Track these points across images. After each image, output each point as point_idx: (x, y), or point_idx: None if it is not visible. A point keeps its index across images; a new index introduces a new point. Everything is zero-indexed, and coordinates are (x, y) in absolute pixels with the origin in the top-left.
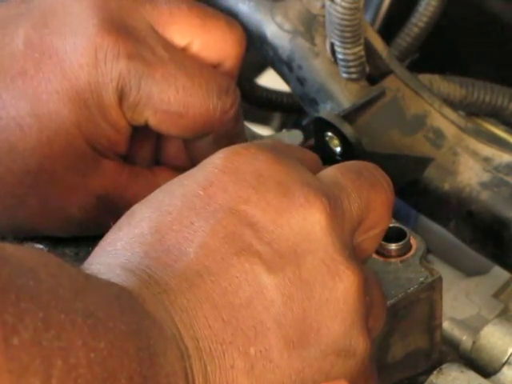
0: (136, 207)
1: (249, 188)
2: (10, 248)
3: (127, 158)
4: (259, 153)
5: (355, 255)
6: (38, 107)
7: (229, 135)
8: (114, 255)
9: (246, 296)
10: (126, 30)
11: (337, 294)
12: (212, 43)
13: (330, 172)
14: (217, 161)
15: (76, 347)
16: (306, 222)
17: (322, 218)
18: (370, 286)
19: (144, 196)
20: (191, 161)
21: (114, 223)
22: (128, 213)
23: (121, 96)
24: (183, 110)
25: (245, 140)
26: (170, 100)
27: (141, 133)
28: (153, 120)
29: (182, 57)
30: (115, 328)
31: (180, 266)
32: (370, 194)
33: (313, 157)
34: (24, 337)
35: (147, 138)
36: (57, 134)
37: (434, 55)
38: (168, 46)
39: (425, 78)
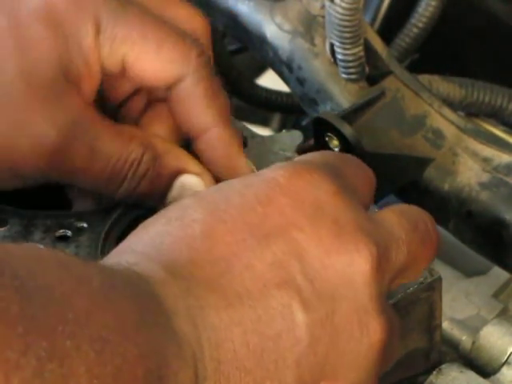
0: (189, 203)
1: (305, 218)
2: (26, 260)
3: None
4: (322, 182)
5: (387, 302)
6: (16, 21)
7: (206, 85)
8: (159, 250)
9: (277, 329)
10: None
11: (360, 347)
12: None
13: (387, 216)
14: (279, 178)
15: (78, 374)
16: (350, 268)
17: (367, 268)
18: (392, 338)
19: (110, 151)
20: (171, 114)
21: (75, 165)
22: (180, 205)
23: (98, 28)
24: (159, 45)
25: (225, 97)
26: (146, 35)
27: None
28: (130, 56)
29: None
30: (125, 351)
31: (223, 282)
32: (418, 250)
33: (368, 176)
34: (25, 373)
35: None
36: (33, 44)
37: (434, 55)
38: None
39: (424, 78)
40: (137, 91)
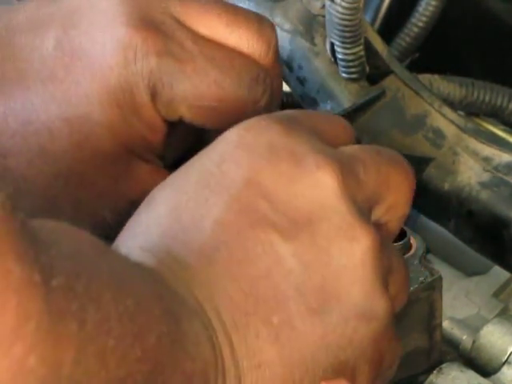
0: (154, 191)
1: (261, 160)
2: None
3: (165, 160)
4: (271, 124)
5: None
6: (68, 111)
7: None
8: (133, 238)
9: (264, 266)
10: (154, 26)
11: (354, 258)
12: (244, 38)
13: (350, 147)
14: (230, 137)
15: (106, 300)
16: (318, 188)
17: (334, 183)
18: (389, 250)
19: None
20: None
21: None
22: (147, 198)
23: (154, 94)
24: (216, 103)
25: None
26: (203, 95)
27: (177, 133)
28: (187, 115)
29: (211, 49)
30: (139, 290)
31: (197, 242)
32: (389, 171)
33: (337, 126)
34: (60, 281)
35: (183, 137)
36: (87, 137)
37: (434, 55)
38: (197, 39)
39: (425, 77)
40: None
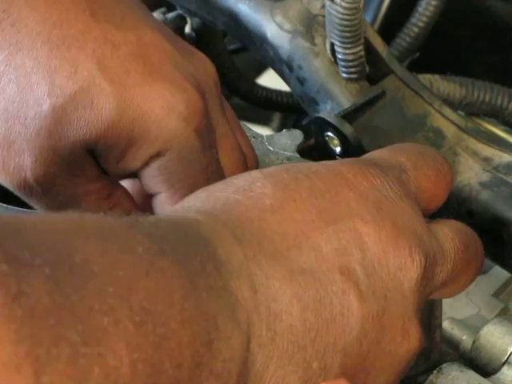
0: (257, 176)
1: (369, 214)
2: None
3: None
4: (385, 185)
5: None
6: None
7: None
8: (229, 215)
9: (333, 314)
10: None
11: (398, 351)
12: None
13: (443, 230)
14: (346, 173)
15: (117, 349)
16: (401, 272)
17: (415, 276)
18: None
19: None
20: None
21: None
22: (247, 175)
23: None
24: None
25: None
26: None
27: None
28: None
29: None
30: (169, 319)
31: (290, 256)
32: (461, 270)
33: (443, 176)
34: (58, 365)
35: None
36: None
37: (435, 55)
38: None
39: (425, 77)
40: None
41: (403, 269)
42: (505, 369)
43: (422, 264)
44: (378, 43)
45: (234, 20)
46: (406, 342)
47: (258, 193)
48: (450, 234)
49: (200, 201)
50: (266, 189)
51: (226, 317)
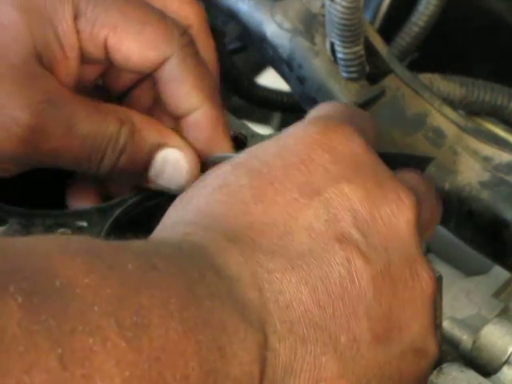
0: (227, 169)
1: (350, 171)
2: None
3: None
4: (354, 136)
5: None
6: None
7: (192, 64)
8: (213, 218)
9: (343, 284)
10: None
11: (415, 295)
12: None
13: (407, 175)
14: (314, 135)
15: (106, 369)
16: (395, 218)
17: (411, 217)
18: (438, 287)
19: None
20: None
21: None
22: (217, 172)
23: (76, 11)
24: (141, 26)
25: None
26: (127, 16)
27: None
28: (112, 39)
29: None
30: (167, 331)
31: (284, 244)
32: (434, 209)
33: (372, 124)
34: None
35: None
36: (5, 26)
37: (435, 54)
38: None
39: (425, 77)
40: (141, 84)
41: (397, 213)
42: (505, 369)
43: (413, 203)
44: (377, 42)
45: (233, 19)
46: (418, 283)
47: (235, 186)
48: (416, 177)
49: (182, 211)
50: (241, 180)
51: (236, 320)
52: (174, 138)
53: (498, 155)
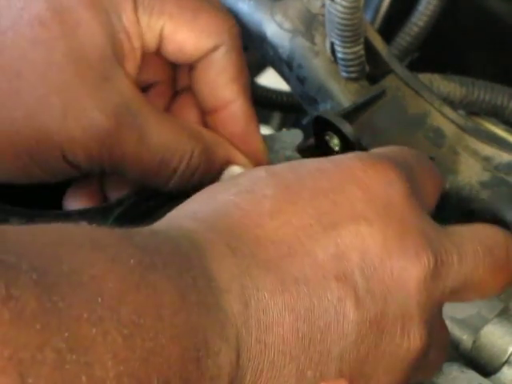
0: (261, 175)
1: (375, 214)
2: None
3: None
4: (396, 181)
5: (436, 315)
6: (56, 3)
7: (237, 57)
8: (224, 222)
9: (327, 321)
10: None
11: (398, 352)
12: None
13: (460, 231)
14: (356, 169)
15: (104, 360)
16: (405, 273)
17: (422, 276)
18: (433, 349)
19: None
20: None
21: (128, 150)
22: (252, 176)
23: (135, 2)
24: (194, 15)
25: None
26: (182, 5)
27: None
28: (168, 29)
29: None
30: (157, 334)
31: (282, 265)
32: (486, 275)
33: (437, 181)
34: (43, 369)
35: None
36: (77, 25)
37: (435, 54)
38: None
39: (425, 77)
40: (162, 79)
41: (408, 269)
42: (505, 368)
43: (429, 263)
44: (377, 42)
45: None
46: (406, 342)
47: (258, 195)
48: (469, 235)
49: (199, 204)
50: (267, 190)
51: (215, 333)
52: (239, 155)
53: (497, 155)
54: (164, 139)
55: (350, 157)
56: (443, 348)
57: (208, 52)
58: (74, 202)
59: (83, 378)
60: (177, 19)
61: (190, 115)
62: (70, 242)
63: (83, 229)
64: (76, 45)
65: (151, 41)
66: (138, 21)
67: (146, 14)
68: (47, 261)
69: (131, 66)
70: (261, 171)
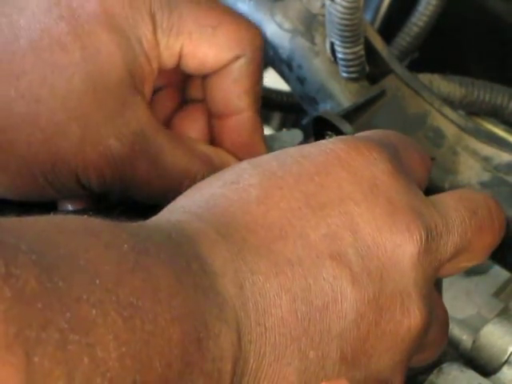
0: (245, 167)
1: (362, 194)
2: (49, 225)
3: None
4: (380, 160)
5: (432, 289)
6: (77, 27)
7: (256, 68)
8: (212, 212)
9: (324, 300)
10: None
11: (399, 329)
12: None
13: (443, 200)
14: (339, 151)
15: (106, 341)
16: (399, 249)
17: (415, 251)
18: (433, 326)
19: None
20: (210, 105)
21: (145, 174)
22: (236, 168)
23: (154, 23)
24: (214, 30)
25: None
26: (201, 22)
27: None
28: (187, 47)
29: None
30: (156, 317)
31: (275, 248)
32: (474, 237)
33: (424, 159)
34: (47, 348)
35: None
36: (97, 51)
37: (435, 54)
38: None
39: (425, 77)
40: (172, 83)
41: (402, 245)
42: (505, 368)
43: (421, 238)
44: (377, 42)
45: None
46: (407, 319)
47: (244, 185)
48: (452, 203)
49: (186, 199)
50: (252, 179)
51: (213, 315)
52: None
53: (497, 155)
54: (177, 165)
55: (332, 141)
56: (444, 325)
57: (228, 63)
58: (68, 203)
59: (85, 359)
60: (196, 37)
61: (196, 125)
62: (65, 229)
63: (77, 218)
64: (95, 71)
65: (169, 60)
66: (157, 43)
67: (164, 35)
68: (45, 245)
69: (149, 86)
70: (244, 164)
